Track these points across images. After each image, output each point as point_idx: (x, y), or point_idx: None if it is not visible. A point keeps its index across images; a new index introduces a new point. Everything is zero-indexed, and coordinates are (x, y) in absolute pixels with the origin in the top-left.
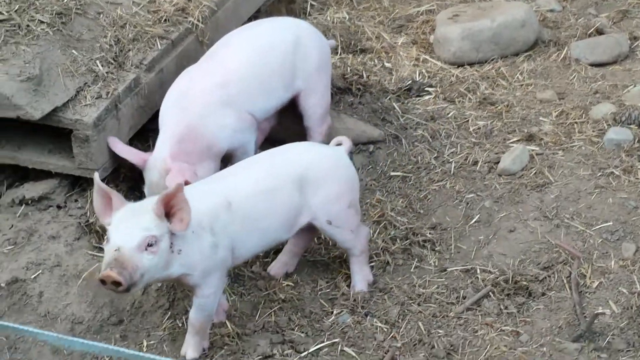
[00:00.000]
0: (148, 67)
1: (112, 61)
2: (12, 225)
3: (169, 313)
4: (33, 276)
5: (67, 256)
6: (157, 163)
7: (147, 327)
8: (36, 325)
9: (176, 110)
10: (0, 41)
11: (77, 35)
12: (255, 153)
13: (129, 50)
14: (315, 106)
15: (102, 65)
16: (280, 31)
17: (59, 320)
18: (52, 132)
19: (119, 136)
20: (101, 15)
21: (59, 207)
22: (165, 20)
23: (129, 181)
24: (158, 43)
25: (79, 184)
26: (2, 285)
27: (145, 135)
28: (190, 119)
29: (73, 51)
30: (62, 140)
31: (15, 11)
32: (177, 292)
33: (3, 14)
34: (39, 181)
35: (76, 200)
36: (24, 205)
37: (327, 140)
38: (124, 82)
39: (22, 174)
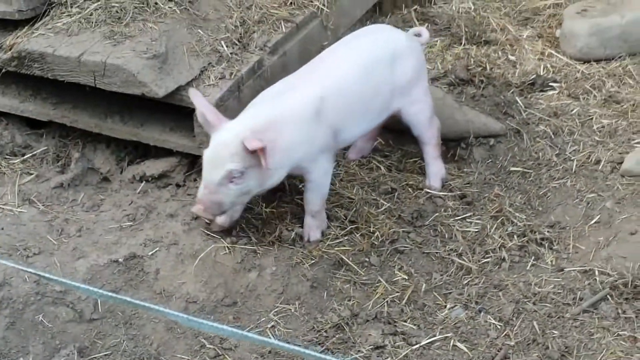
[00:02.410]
0: (272, 49)
1: (237, 42)
2: (132, 202)
3: (282, 297)
4: (150, 253)
5: (184, 235)
6: (236, 128)
7: (259, 310)
8: (151, 302)
9: (269, 103)
10: (128, 18)
11: (204, 14)
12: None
13: (254, 32)
14: (418, 114)
15: (226, 46)
16: (381, 48)
17: (173, 298)
18: (174, 110)
19: None
20: None
21: (178, 185)
22: (290, 3)
23: None
24: (283, 26)
25: (199, 163)
26: (120, 260)
27: None
28: (277, 116)
29: (199, 30)
30: (183, 118)
31: None
32: (290, 277)
33: None
34: (160, 159)
35: (195, 180)
36: (144, 182)
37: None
38: (248, 64)
39: (143, 151)
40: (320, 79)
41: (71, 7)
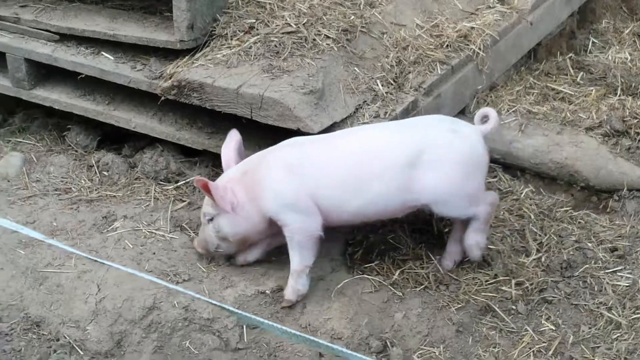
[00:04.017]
0: (426, 90)
1: (392, 82)
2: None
3: (427, 340)
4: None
5: (331, 271)
6: (221, 177)
7: (404, 350)
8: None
9: (256, 155)
10: (286, 53)
11: (360, 53)
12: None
13: (409, 72)
14: (453, 211)
15: (382, 85)
16: (402, 142)
17: (318, 333)
18: None
19: None
20: (385, 36)
21: None
22: (447, 45)
23: None
24: (438, 67)
25: None
26: (267, 292)
27: None
28: (251, 168)
29: (355, 68)
30: None
31: (304, 24)
32: (436, 320)
33: (292, 26)
34: None
35: None
36: None
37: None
38: (402, 104)
39: None
40: (313, 146)
41: (231, 39)
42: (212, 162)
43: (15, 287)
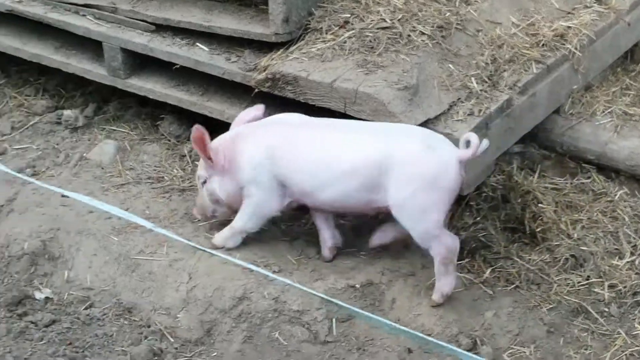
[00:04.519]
0: (521, 89)
1: (487, 80)
2: (372, 230)
3: (517, 339)
4: (387, 282)
5: (421, 267)
6: (217, 139)
7: (493, 349)
8: (384, 331)
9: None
10: (381, 48)
11: (455, 50)
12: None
13: (504, 70)
14: (413, 229)
15: (476, 83)
16: (373, 146)
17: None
18: None
19: (484, 156)
20: (480, 33)
21: None
22: (543, 44)
23: (491, 200)
24: (533, 66)
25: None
26: (357, 286)
27: (509, 157)
28: (241, 134)
29: (450, 65)
30: None
31: (399, 20)
32: (527, 320)
33: (387, 21)
34: None
35: None
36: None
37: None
38: (497, 102)
39: None
40: (295, 131)
41: (326, 33)
42: None
43: (108, 273)
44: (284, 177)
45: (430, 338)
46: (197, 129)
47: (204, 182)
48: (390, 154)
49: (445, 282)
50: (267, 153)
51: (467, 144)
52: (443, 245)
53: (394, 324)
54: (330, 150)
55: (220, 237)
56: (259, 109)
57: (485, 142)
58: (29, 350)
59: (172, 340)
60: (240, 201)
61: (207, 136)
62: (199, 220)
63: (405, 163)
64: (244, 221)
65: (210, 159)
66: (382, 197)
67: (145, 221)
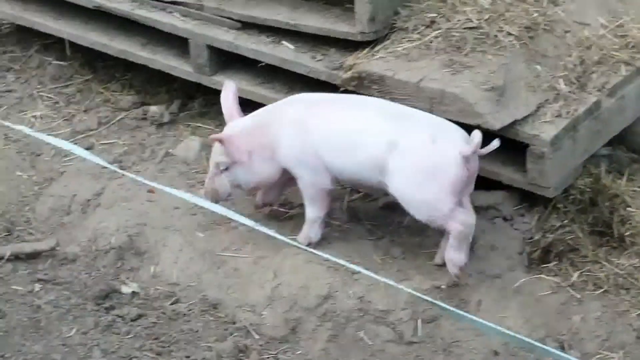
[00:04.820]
0: (610, 91)
1: (575, 81)
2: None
3: (606, 344)
4: (473, 283)
5: (508, 269)
6: (233, 126)
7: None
8: (471, 332)
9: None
10: (468, 48)
11: (543, 51)
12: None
13: (592, 72)
14: (413, 213)
15: (564, 84)
16: (383, 127)
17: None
18: (506, 144)
19: (572, 158)
20: (567, 34)
21: (504, 219)
22: (632, 46)
23: (579, 203)
24: (622, 69)
25: (528, 199)
26: (443, 287)
27: (596, 160)
28: (265, 119)
29: (537, 66)
30: (516, 153)
31: (485, 20)
32: (616, 325)
33: (473, 22)
34: (489, 191)
35: (522, 215)
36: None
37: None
38: (585, 104)
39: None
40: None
41: (412, 32)
42: None
43: (193, 269)
44: (315, 151)
45: (539, 344)
46: (214, 138)
47: (225, 168)
48: (396, 141)
49: (455, 257)
50: (303, 130)
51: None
52: (457, 222)
53: (499, 327)
54: (349, 126)
55: (302, 237)
56: (229, 84)
57: (496, 142)
58: (116, 344)
59: (257, 337)
60: (270, 183)
61: (224, 137)
62: (280, 215)
63: (408, 152)
64: (310, 209)
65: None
66: (387, 182)
67: (247, 219)
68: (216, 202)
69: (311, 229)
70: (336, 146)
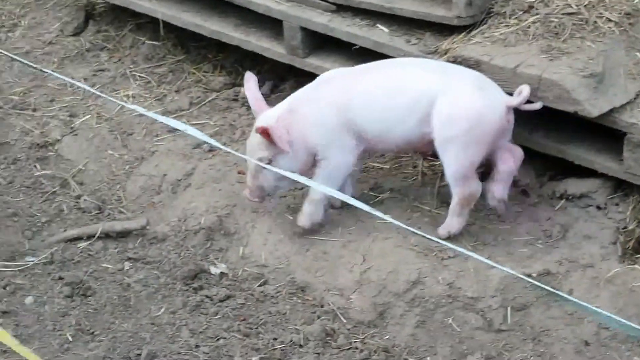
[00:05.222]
0: None
1: None
2: (549, 218)
3: None
4: (565, 272)
5: (601, 259)
6: (266, 117)
7: None
8: (561, 321)
9: (305, 90)
10: (566, 34)
11: None
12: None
13: None
14: (448, 163)
15: None
16: (428, 78)
17: (584, 321)
18: (602, 131)
19: None
20: None
21: (598, 207)
22: None
23: None
24: None
25: (623, 188)
26: (534, 275)
27: None
28: (296, 101)
29: (637, 53)
30: (612, 141)
31: (585, 6)
32: None
33: (572, 7)
34: (583, 178)
35: (617, 204)
36: (563, 200)
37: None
38: None
39: (564, 168)
40: (353, 79)
41: (509, 18)
42: None
43: (282, 251)
44: (359, 126)
45: None
46: (259, 129)
47: (268, 162)
48: (443, 90)
49: (455, 222)
50: (338, 109)
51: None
52: (468, 188)
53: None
54: (392, 87)
55: (304, 216)
56: (249, 75)
57: (539, 104)
58: (204, 324)
59: (344, 320)
60: (307, 169)
61: (269, 127)
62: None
63: (455, 99)
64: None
65: (279, 143)
66: (430, 129)
67: (356, 201)
68: (263, 199)
69: (317, 209)
70: (379, 105)
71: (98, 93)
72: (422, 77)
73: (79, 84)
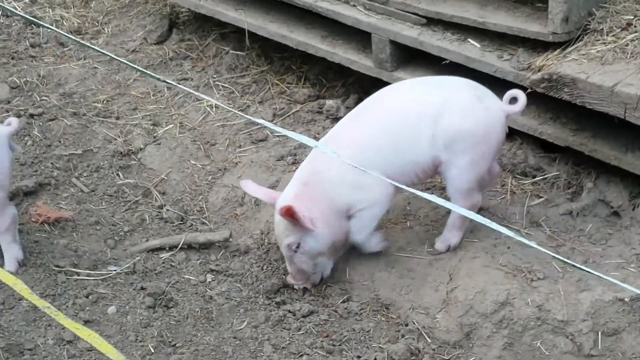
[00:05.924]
0: None
1: None
2: None
3: None
4: None
5: None
6: (285, 199)
7: None
8: None
9: (309, 161)
10: None
11: None
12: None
13: None
14: (454, 179)
15: None
16: (424, 98)
17: None
18: None
19: None
20: None
21: None
22: None
23: None
24: None
25: None
26: (626, 300)
27: None
28: (316, 165)
29: None
30: None
31: None
32: None
33: None
34: None
35: None
36: None
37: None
38: None
39: None
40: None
41: (607, 35)
42: (573, 160)
43: (367, 267)
44: (379, 169)
45: None
46: (283, 209)
47: (297, 246)
48: (443, 104)
49: (455, 236)
50: (341, 164)
51: (512, 100)
52: (471, 200)
53: None
54: (389, 126)
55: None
56: (247, 182)
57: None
58: (287, 340)
59: (429, 340)
60: (343, 236)
61: (293, 207)
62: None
63: (458, 119)
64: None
65: (302, 222)
66: (438, 147)
67: (497, 225)
68: (308, 279)
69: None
70: (387, 143)
71: (208, 98)
72: (420, 102)
73: (191, 91)
